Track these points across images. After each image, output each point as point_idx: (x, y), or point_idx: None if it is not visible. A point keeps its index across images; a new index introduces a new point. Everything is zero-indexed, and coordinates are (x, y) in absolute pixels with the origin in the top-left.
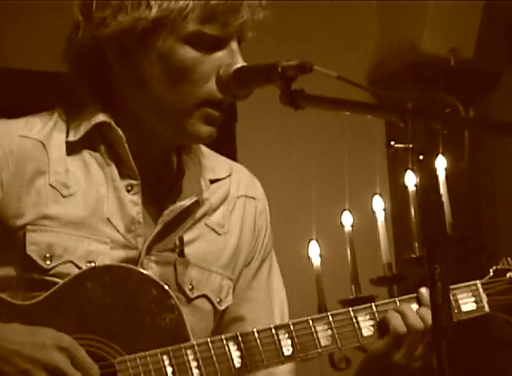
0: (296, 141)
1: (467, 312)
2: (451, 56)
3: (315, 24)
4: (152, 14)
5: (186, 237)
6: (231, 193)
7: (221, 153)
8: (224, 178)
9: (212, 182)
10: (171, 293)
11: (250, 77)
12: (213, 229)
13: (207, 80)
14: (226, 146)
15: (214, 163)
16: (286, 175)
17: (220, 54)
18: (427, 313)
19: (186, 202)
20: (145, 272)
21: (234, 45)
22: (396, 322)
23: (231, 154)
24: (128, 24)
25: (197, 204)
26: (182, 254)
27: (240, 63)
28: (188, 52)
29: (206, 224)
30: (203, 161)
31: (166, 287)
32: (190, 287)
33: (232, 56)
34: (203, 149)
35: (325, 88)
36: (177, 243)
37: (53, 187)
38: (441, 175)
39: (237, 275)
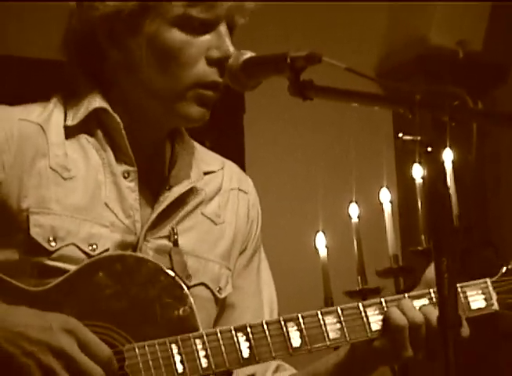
0: (303, 132)
1: (477, 310)
2: (459, 48)
3: (325, 16)
4: None
5: (182, 226)
6: (224, 186)
7: (230, 145)
8: (217, 171)
9: (206, 173)
10: (182, 283)
11: (260, 67)
12: (209, 219)
13: (195, 63)
14: (234, 137)
15: (206, 157)
16: (294, 167)
17: (208, 37)
18: (431, 310)
19: (182, 188)
20: (156, 262)
21: (223, 28)
22: (396, 316)
23: (239, 145)
24: (115, 7)
25: (192, 193)
26: (176, 243)
27: (230, 47)
28: (175, 35)
29: (202, 213)
30: (197, 154)
31: (177, 278)
32: (187, 275)
33: (220, 39)
34: (196, 144)
35: (333, 79)
36: (171, 232)
37: (54, 170)
38: (448, 167)
39: (233, 265)
